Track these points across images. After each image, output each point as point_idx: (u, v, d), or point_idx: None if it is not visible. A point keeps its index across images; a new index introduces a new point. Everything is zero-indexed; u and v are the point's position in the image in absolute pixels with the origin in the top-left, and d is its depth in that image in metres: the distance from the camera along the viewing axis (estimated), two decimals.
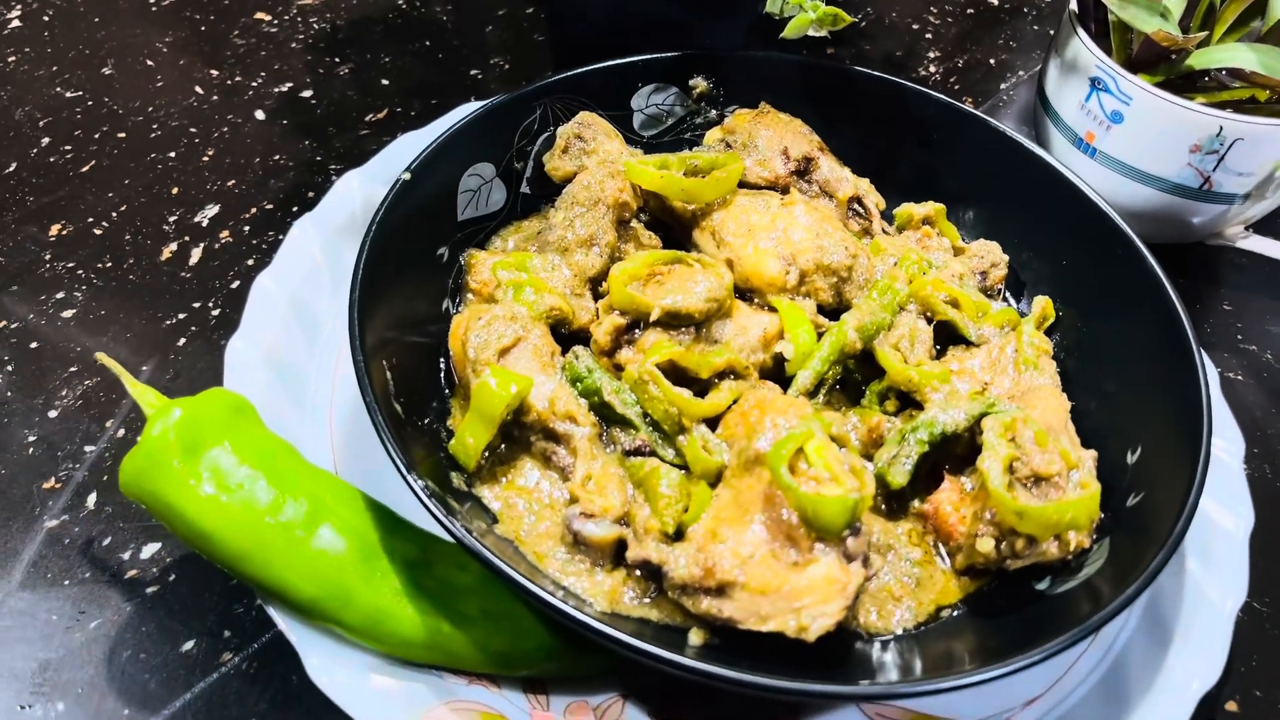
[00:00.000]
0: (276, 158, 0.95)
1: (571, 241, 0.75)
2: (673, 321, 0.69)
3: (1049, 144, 0.93)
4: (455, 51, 1.09)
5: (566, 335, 0.73)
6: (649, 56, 0.86)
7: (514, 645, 0.60)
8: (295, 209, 0.91)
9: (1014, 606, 0.64)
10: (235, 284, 0.84)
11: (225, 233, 0.88)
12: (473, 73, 1.06)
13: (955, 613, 0.65)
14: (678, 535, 0.63)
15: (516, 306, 0.71)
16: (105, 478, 0.71)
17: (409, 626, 0.59)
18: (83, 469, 0.71)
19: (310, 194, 0.92)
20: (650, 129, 0.89)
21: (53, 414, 0.74)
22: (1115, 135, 0.86)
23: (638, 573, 0.63)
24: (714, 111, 0.89)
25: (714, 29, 0.97)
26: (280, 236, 0.88)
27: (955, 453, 0.70)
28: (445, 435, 0.68)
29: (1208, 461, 0.63)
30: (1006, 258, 0.81)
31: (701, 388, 0.69)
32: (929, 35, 1.19)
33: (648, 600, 0.63)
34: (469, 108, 0.89)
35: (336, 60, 1.06)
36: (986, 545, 0.63)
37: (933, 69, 1.14)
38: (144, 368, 0.78)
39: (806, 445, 0.60)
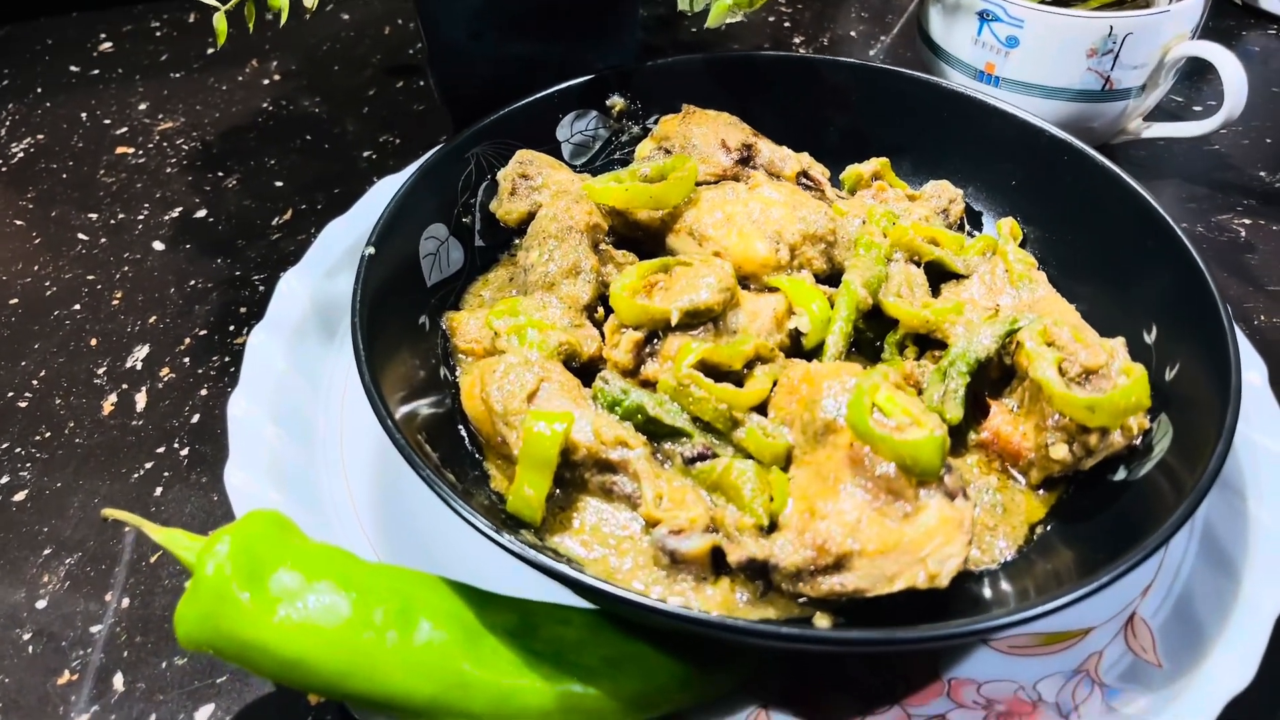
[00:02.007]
0: (192, 283, 0.89)
1: (556, 275, 0.72)
2: (691, 322, 0.68)
3: None
4: (339, 139, 1.05)
5: (576, 369, 0.70)
6: (564, 85, 0.85)
7: (646, 683, 0.56)
8: (231, 328, 0.84)
9: (1102, 503, 0.64)
10: (195, 418, 0.77)
11: (165, 370, 0.81)
12: (365, 154, 1.03)
13: (1048, 527, 0.65)
14: (771, 527, 0.60)
15: (527, 350, 0.68)
16: (125, 654, 0.63)
17: (538, 696, 0.54)
18: (96, 652, 0.63)
19: (242, 309, 0.86)
20: (580, 157, 0.88)
21: (41, 604, 0.66)
22: (1015, 59, 0.90)
23: (743, 575, 0.60)
24: (637, 126, 0.89)
25: (601, 58, 0.97)
26: (225, 359, 0.82)
27: (990, 378, 0.70)
28: (497, 498, 0.64)
29: (1230, 317, 0.65)
30: (961, 192, 0.83)
31: (733, 380, 0.67)
32: (787, 24, 1.22)
33: (762, 600, 0.60)
34: (393, 180, 0.86)
35: (220, 174, 1.00)
36: (1060, 451, 0.64)
37: (803, 52, 1.17)
38: (126, 529, 0.70)
39: (876, 397, 0.59)
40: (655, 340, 0.68)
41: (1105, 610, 0.62)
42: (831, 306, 0.71)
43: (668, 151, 0.83)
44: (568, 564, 0.59)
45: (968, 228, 0.84)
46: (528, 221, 0.78)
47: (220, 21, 0.77)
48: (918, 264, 0.77)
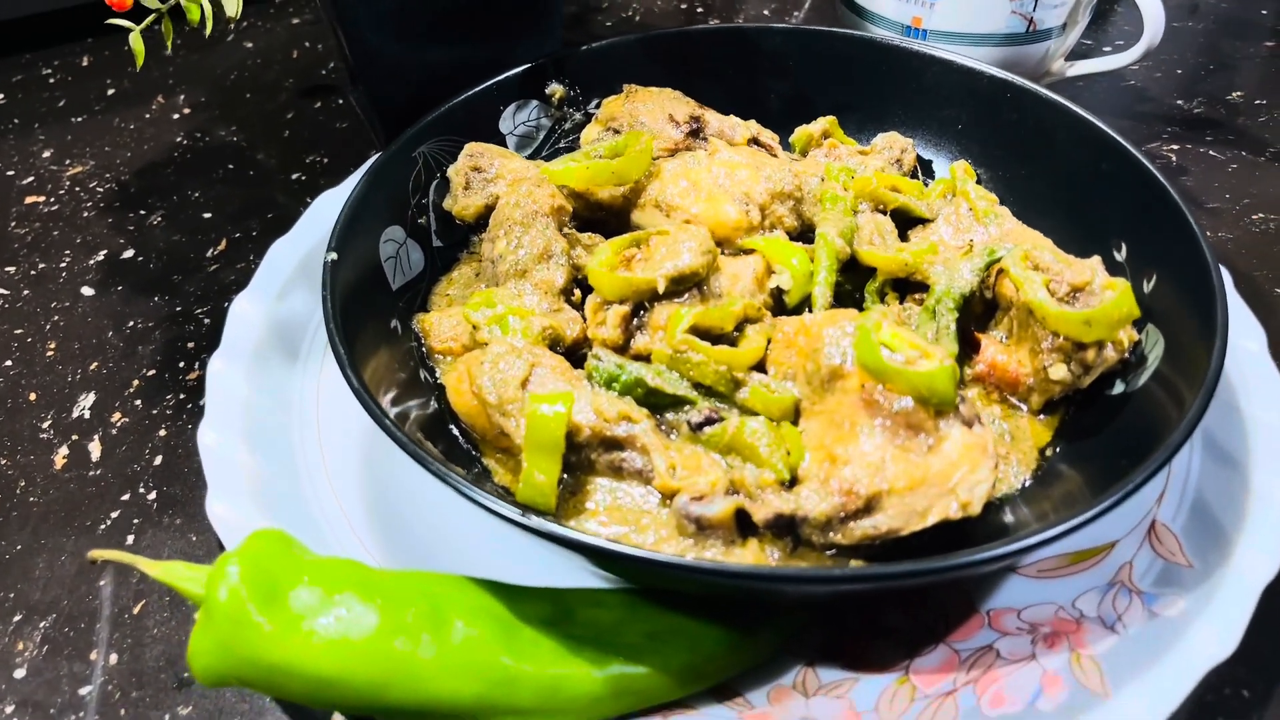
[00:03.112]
0: (131, 324, 0.84)
1: (527, 261, 0.70)
2: (676, 289, 0.66)
3: None
4: (263, 165, 1.01)
5: (561, 354, 0.68)
6: (503, 76, 0.83)
7: (693, 654, 0.54)
8: (181, 364, 0.80)
9: (1105, 419, 0.64)
10: (158, 460, 0.73)
11: (116, 415, 0.76)
12: (294, 176, 0.99)
13: (1057, 449, 0.65)
14: (791, 482, 0.59)
15: (511, 338, 0.65)
16: (122, 711, 0.58)
17: (586, 683, 0.51)
18: (90, 715, 0.58)
19: (190, 344, 0.81)
20: (526, 149, 0.86)
21: (20, 674, 0.61)
22: (940, 11, 0.91)
23: (770, 534, 0.58)
24: (579, 112, 0.87)
25: (529, 53, 0.95)
26: (180, 396, 0.77)
27: (974, 314, 0.70)
28: (504, 492, 0.61)
29: (1195, 222, 0.66)
30: (910, 141, 0.83)
31: (726, 343, 0.66)
32: (700, 9, 1.22)
33: (793, 556, 0.58)
34: (333, 194, 0.83)
35: (143, 212, 0.95)
36: (1060, 371, 0.64)
37: None
38: (102, 583, 0.65)
39: (881, 334, 0.59)
40: (642, 313, 0.67)
41: (1125, 523, 0.63)
42: (811, 261, 0.70)
43: (616, 132, 0.82)
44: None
45: (920, 176, 0.85)
46: (485, 215, 0.76)
47: (137, 41, 0.73)
48: (883, 212, 0.77)
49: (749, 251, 0.72)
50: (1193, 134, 0.99)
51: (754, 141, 0.83)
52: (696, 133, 0.82)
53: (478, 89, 0.82)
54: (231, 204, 0.96)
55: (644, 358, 0.66)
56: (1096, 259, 0.68)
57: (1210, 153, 0.97)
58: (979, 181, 0.82)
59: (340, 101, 1.09)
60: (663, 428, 0.63)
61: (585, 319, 0.69)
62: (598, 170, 0.73)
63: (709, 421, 0.62)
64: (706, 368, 0.62)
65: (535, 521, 0.51)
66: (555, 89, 0.86)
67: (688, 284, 0.66)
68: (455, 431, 0.66)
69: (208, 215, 0.94)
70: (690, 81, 0.87)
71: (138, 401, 0.77)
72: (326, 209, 0.83)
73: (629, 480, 0.62)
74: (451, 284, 0.76)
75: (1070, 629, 0.57)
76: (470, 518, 0.62)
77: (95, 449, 0.74)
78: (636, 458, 0.61)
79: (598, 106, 0.87)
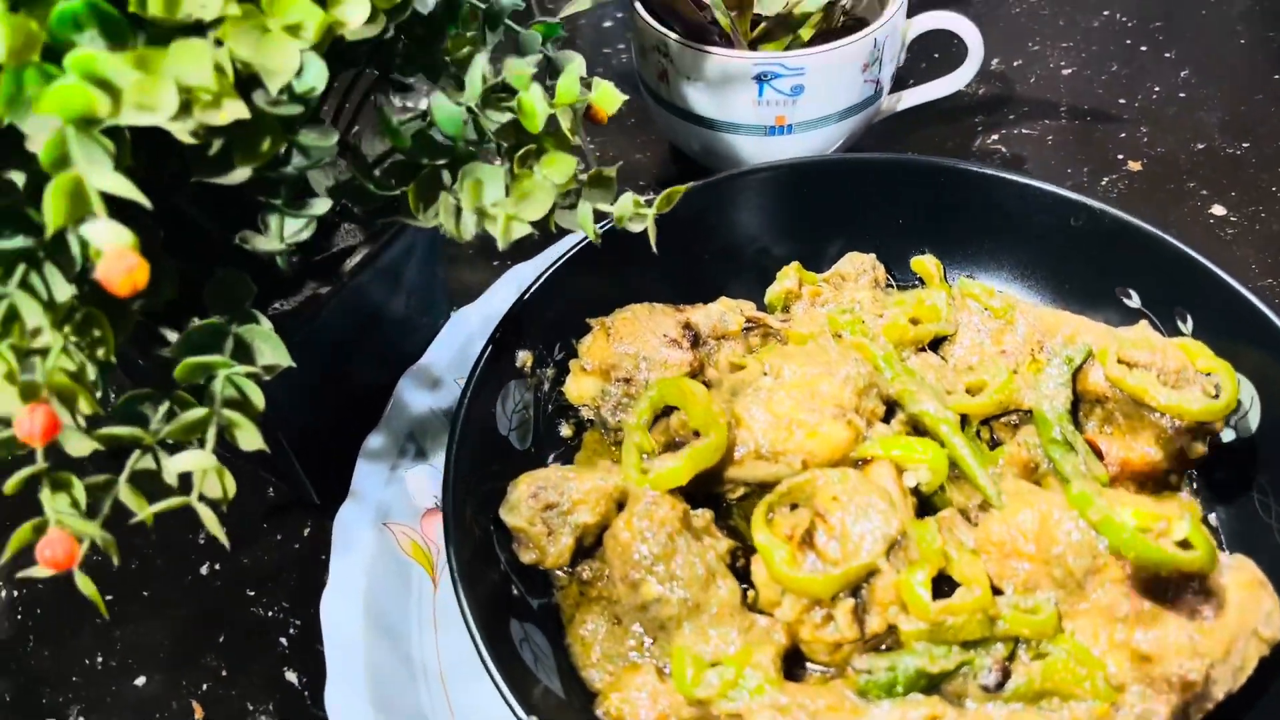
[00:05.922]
0: None
1: (696, 597, 0.61)
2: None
3: (739, 153, 0.94)
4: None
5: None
6: (479, 372, 0.69)
7: None
8: None
9: (1241, 469, 0.69)
10: None
11: None
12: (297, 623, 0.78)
13: (1217, 515, 0.69)
14: None
15: (768, 698, 0.57)
16: None
17: None
18: None
19: None
20: (526, 439, 0.73)
21: None
22: (803, 104, 0.89)
23: None
24: (548, 369, 0.76)
25: (425, 323, 0.81)
26: None
27: None
28: None
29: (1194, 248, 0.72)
30: (872, 255, 0.82)
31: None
32: None
33: None
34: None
35: None
36: (1200, 448, 0.68)
37: None
38: None
39: (1123, 516, 0.59)
40: (860, 594, 0.61)
41: None
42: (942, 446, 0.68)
43: (627, 381, 0.73)
44: None
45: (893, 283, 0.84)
46: (580, 555, 0.66)
47: None
48: (921, 349, 0.76)
49: (866, 460, 0.68)
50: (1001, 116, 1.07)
51: (749, 323, 0.77)
52: (697, 342, 0.75)
53: (464, 411, 0.67)
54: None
55: (881, 641, 0.61)
56: (1144, 324, 0.72)
57: (1024, 132, 1.05)
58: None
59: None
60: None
61: (773, 616, 0.62)
62: (700, 456, 0.65)
63: (1006, 675, 0.59)
64: (971, 624, 0.59)
65: None
66: (524, 358, 0.74)
67: (895, 544, 0.62)
68: None
69: None
70: (627, 283, 0.78)
71: None
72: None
73: None
74: (588, 647, 0.65)
75: None
76: None
77: None
78: None
79: (562, 352, 0.76)
